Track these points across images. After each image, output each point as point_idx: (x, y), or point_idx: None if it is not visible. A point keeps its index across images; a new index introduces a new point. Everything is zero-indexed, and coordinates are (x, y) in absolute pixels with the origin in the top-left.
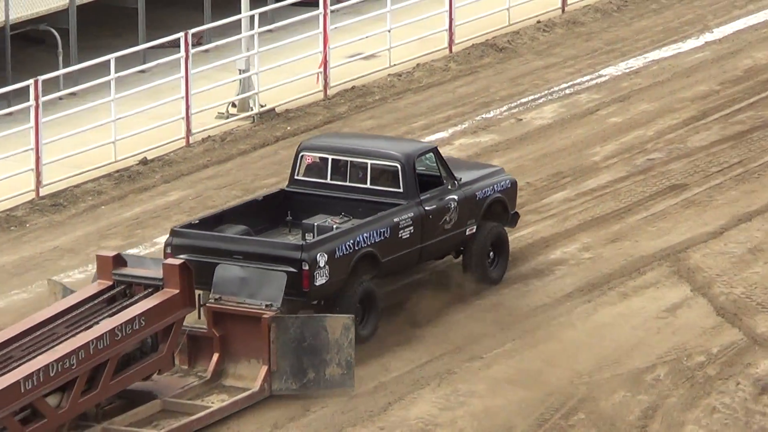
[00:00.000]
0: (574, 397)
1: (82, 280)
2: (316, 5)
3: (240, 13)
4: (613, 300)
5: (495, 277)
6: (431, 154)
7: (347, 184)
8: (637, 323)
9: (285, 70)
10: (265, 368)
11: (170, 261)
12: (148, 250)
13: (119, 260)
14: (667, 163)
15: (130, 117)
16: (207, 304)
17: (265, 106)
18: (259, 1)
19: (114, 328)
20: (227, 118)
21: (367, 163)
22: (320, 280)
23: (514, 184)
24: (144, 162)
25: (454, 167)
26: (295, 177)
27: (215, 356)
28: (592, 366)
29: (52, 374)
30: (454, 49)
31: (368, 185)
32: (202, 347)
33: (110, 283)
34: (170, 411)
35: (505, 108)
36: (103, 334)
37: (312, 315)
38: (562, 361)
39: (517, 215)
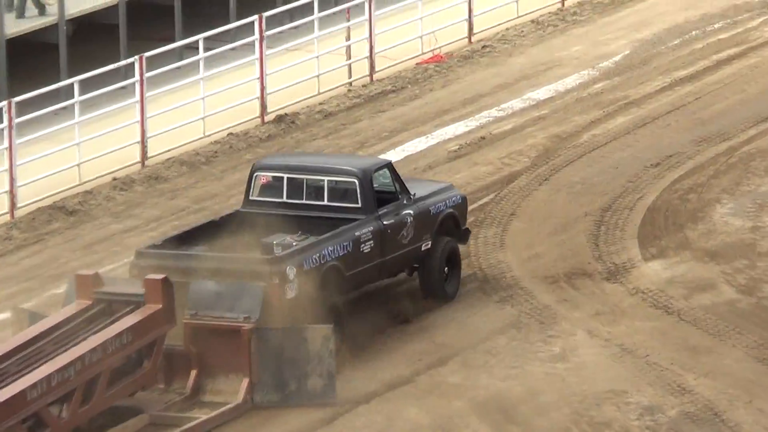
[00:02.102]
0: None
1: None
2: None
3: None
4: None
5: (450, 292)
6: (386, 169)
7: (304, 202)
8: None
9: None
10: (246, 380)
11: (152, 276)
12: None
13: (97, 280)
14: None
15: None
16: (183, 320)
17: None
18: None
19: (105, 341)
20: None
21: (323, 180)
22: (290, 294)
23: (464, 199)
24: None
25: (405, 183)
26: (250, 197)
27: (193, 372)
28: None
29: (53, 384)
30: (17, 214)
31: (325, 202)
32: (178, 364)
33: (89, 302)
34: (158, 424)
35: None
36: (96, 347)
37: (292, 327)
38: None
39: (468, 231)
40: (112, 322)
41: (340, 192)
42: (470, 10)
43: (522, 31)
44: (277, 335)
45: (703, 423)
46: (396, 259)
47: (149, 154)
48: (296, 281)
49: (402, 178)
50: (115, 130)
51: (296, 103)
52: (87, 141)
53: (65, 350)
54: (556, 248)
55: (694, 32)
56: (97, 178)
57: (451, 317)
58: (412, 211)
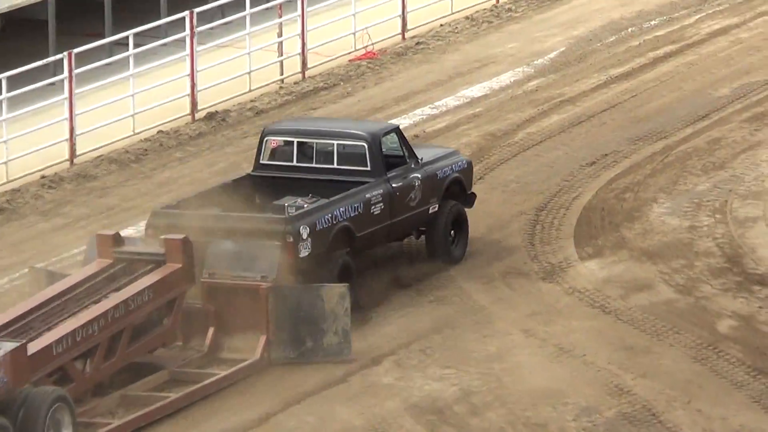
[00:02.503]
0: None
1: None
2: None
3: None
4: None
5: (457, 255)
6: (394, 134)
7: (313, 165)
8: None
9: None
10: (264, 338)
11: (172, 236)
12: None
13: (118, 239)
14: None
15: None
16: (201, 280)
17: None
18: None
19: (127, 298)
20: None
21: (333, 144)
22: (304, 252)
23: (470, 164)
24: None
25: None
26: (261, 161)
27: (211, 330)
28: None
29: (78, 339)
30: None
31: (335, 165)
32: (195, 323)
33: (110, 261)
34: (178, 380)
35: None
36: (118, 304)
37: (308, 285)
38: None
39: (473, 195)
40: (134, 280)
41: (349, 156)
42: (404, 7)
43: (456, 27)
44: (294, 293)
45: (641, 424)
46: (404, 221)
47: (78, 152)
48: (309, 240)
49: (412, 143)
50: (43, 127)
51: (227, 100)
52: (15, 138)
53: (89, 307)
54: (492, 247)
55: (630, 29)
56: (25, 175)
57: (385, 316)
58: (419, 175)
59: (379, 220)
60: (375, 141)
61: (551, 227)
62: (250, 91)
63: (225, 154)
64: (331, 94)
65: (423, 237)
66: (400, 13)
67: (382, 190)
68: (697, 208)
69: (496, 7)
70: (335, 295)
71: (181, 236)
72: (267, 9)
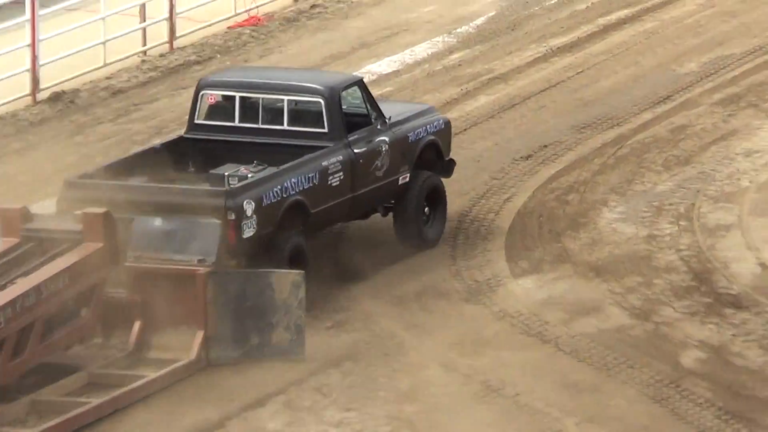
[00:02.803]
0: None
1: None
2: None
3: None
4: None
5: (432, 236)
6: (356, 87)
7: (259, 126)
8: None
9: None
10: (201, 333)
11: (91, 210)
12: None
13: (26, 214)
14: None
15: None
16: (126, 264)
17: None
18: None
19: (38, 284)
20: None
21: (283, 100)
22: (248, 232)
23: (448, 124)
24: None
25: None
26: (195, 121)
27: (137, 324)
28: None
29: None
30: None
31: (285, 126)
32: (117, 316)
33: (17, 240)
34: (98, 384)
35: None
36: (28, 291)
37: (256, 271)
38: None
39: (453, 162)
40: (45, 263)
41: (302, 114)
42: None
43: None
44: (238, 280)
45: None
46: (368, 195)
47: None
48: (254, 218)
49: (378, 98)
50: None
51: (76, 77)
52: None
53: None
54: (404, 261)
55: None
56: None
57: None
58: (387, 138)
59: (339, 193)
60: (333, 96)
61: (477, 236)
62: (105, 65)
63: (74, 144)
64: (205, 69)
65: (390, 214)
66: None
67: (341, 157)
68: (657, 212)
69: None
70: (288, 283)
71: (101, 210)
72: None
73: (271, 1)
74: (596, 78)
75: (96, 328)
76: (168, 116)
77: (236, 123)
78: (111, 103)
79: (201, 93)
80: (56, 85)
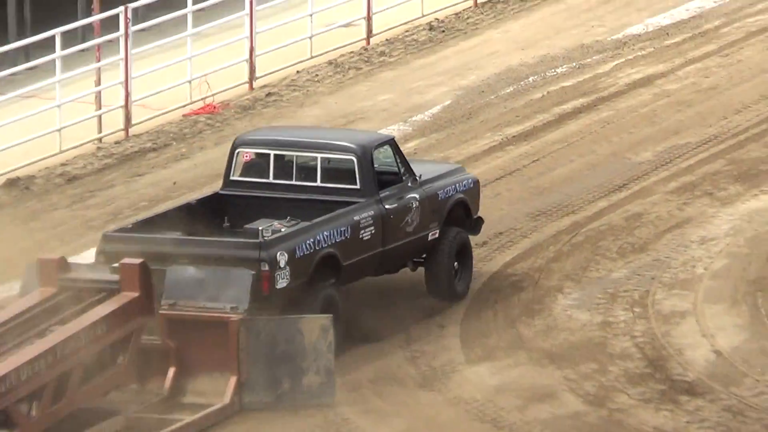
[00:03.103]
0: None
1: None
2: None
3: None
4: None
5: (461, 290)
6: (388, 146)
7: (293, 183)
8: None
9: None
10: (234, 379)
11: (128, 261)
12: None
13: (63, 264)
14: None
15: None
16: (160, 312)
17: None
18: None
19: (78, 331)
20: None
21: (316, 157)
22: (282, 283)
23: (477, 183)
24: None
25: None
26: (231, 178)
27: (171, 370)
28: None
29: (23, 378)
30: None
31: (318, 183)
32: (153, 362)
33: (54, 289)
34: (135, 427)
35: None
36: (68, 338)
37: (285, 317)
38: None
39: (481, 220)
40: (83, 311)
41: (335, 171)
42: (251, 49)
43: (316, 75)
44: (269, 327)
45: None
46: (399, 249)
47: None
48: (288, 269)
49: (409, 158)
50: None
51: (32, 163)
52: None
53: (33, 342)
54: (359, 346)
55: (531, 78)
56: None
57: None
58: (417, 195)
59: (370, 247)
60: (366, 154)
61: (432, 322)
62: (61, 152)
63: (29, 230)
64: (161, 156)
65: (420, 269)
66: (247, 57)
67: (373, 212)
68: (612, 299)
69: (366, 50)
70: (316, 328)
71: (138, 261)
72: (82, 51)
73: (226, 89)
74: (552, 166)
75: (132, 374)
76: (123, 203)
77: (270, 179)
78: (66, 189)
79: (236, 151)
80: (11, 171)
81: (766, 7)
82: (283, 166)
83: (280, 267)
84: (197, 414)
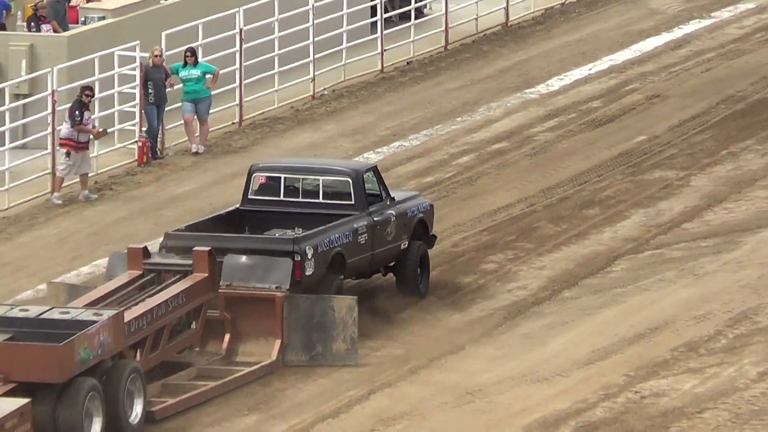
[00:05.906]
0: None
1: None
2: None
3: None
4: None
5: (423, 292)
6: (372, 172)
7: (300, 200)
8: None
9: None
10: (278, 342)
11: (199, 248)
12: None
13: (146, 252)
14: None
15: None
16: (219, 290)
17: None
18: None
19: (168, 299)
20: None
21: (319, 180)
22: (309, 271)
23: (432, 207)
24: None
25: None
26: (248, 197)
27: (227, 336)
28: None
29: (132, 330)
30: None
31: (320, 200)
32: (211, 330)
33: (140, 272)
34: (205, 376)
35: None
36: (161, 303)
37: (320, 295)
38: None
39: (434, 237)
40: (164, 289)
41: (334, 191)
42: None
43: None
44: (307, 303)
45: None
46: (382, 254)
47: None
48: (313, 260)
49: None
50: None
51: None
52: None
53: (138, 303)
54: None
55: None
56: None
57: None
58: (394, 212)
59: (364, 250)
60: (359, 177)
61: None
62: None
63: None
64: None
65: (390, 274)
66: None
67: (365, 222)
68: None
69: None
70: (345, 305)
71: (207, 248)
72: None
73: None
74: None
75: (199, 338)
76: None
77: (281, 197)
78: None
79: (253, 175)
80: None
81: None
82: (292, 187)
83: (308, 258)
84: (253, 366)
